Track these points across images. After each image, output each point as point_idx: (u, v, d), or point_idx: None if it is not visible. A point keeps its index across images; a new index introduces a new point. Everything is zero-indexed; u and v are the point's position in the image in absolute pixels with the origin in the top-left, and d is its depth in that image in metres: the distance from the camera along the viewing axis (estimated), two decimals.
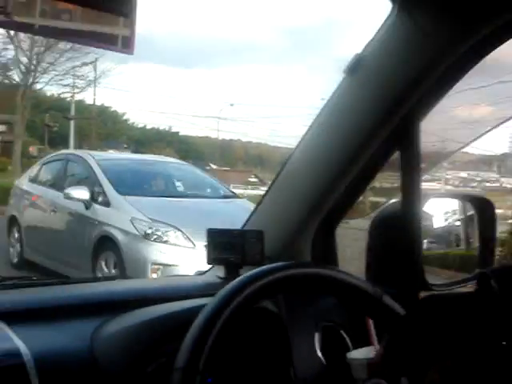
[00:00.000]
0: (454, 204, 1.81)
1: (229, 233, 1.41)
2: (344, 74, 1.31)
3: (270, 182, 1.58)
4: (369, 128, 1.30)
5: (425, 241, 1.81)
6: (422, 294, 1.40)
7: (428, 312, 0.98)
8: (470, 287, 1.55)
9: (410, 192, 1.34)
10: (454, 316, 0.93)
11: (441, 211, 1.81)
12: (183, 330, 1.01)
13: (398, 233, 1.38)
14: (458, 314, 0.93)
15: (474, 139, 1.70)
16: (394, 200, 1.46)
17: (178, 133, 45.58)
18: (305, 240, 1.50)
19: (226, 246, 1.38)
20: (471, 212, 1.72)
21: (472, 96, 1.64)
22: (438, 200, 1.77)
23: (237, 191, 11.17)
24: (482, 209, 1.65)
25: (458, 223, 1.86)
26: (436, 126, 1.66)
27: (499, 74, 1.54)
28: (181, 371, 0.97)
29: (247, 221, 1.57)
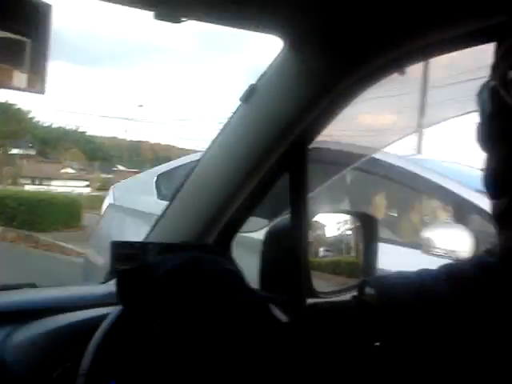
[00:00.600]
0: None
1: (131, 245, 1.47)
2: (240, 101, 1.42)
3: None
4: (261, 151, 1.42)
5: (321, 249, 1.94)
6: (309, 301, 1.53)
7: (308, 319, 1.09)
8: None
9: (298, 208, 1.47)
10: (332, 322, 1.03)
11: (334, 221, 1.95)
12: (86, 337, 1.10)
13: (287, 245, 1.51)
14: (335, 320, 1.03)
15: (380, 147, 1.81)
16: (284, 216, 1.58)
17: (84, 132, 44.58)
18: None
19: (126, 257, 1.43)
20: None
21: (378, 105, 1.76)
22: (328, 215, 1.91)
23: None
24: (366, 223, 1.80)
25: (350, 232, 2.01)
26: (341, 133, 1.77)
27: (405, 85, 1.68)
28: (84, 376, 1.05)
29: (149, 233, 1.66)
